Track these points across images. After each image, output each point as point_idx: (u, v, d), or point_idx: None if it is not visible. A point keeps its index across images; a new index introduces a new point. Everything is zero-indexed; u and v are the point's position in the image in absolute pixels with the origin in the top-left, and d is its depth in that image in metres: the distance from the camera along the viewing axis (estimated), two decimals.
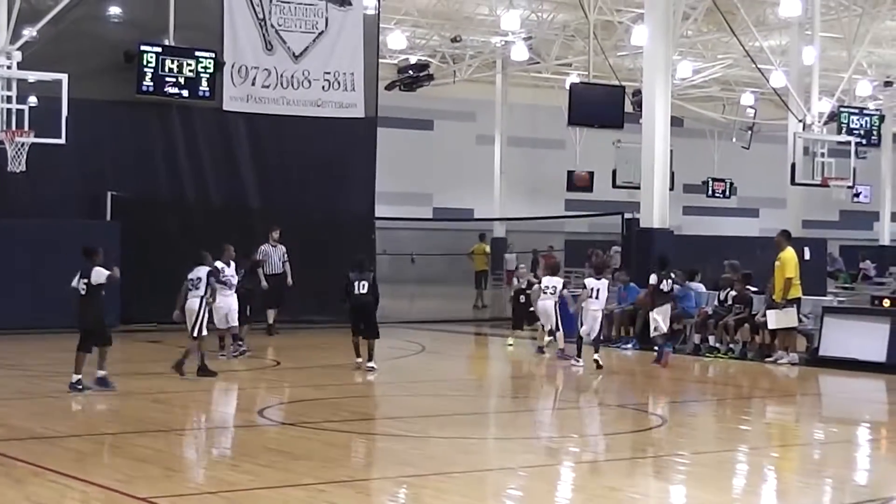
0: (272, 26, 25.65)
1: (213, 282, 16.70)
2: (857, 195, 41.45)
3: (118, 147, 24.39)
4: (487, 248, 35.89)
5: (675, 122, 30.40)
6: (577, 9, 32.15)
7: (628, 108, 29.51)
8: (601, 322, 19.19)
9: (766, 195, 49.88)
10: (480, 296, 33.69)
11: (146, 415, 13.97)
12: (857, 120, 30.78)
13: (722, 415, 15.48)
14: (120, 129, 24.35)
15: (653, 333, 19.71)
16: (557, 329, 20.18)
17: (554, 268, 21.32)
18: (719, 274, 22.45)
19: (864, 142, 30.38)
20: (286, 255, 23.11)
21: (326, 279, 22.91)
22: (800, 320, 20.03)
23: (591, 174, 42.86)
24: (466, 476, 10.59)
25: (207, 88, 24.35)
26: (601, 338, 19.18)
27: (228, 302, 18.83)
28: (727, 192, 50.30)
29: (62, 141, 21.19)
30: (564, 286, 20.46)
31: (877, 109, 34.68)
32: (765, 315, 19.90)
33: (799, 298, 19.81)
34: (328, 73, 26.19)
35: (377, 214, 27.45)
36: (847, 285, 35.00)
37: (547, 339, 20.47)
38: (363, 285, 17.78)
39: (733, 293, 20.94)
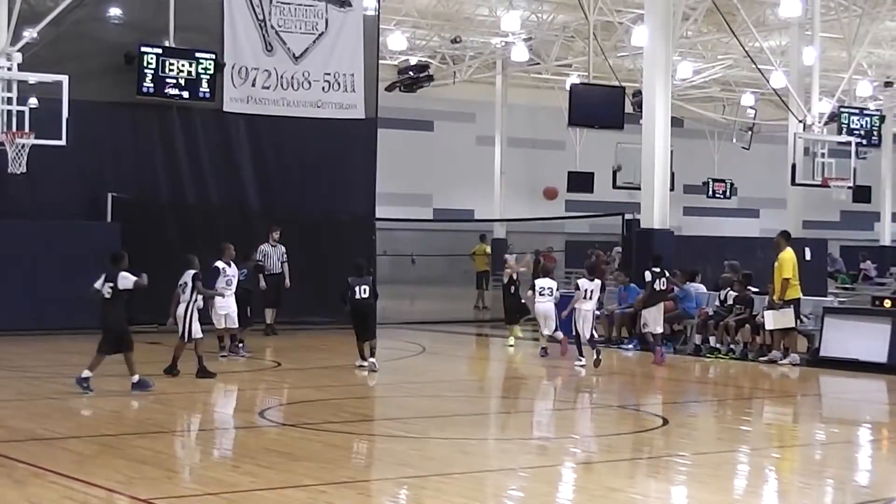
0: (272, 27, 25.65)
1: (200, 285, 16.54)
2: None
3: (118, 148, 24.40)
4: (488, 249, 35.88)
5: (676, 122, 30.41)
6: (577, 10, 32.15)
7: (628, 108, 29.50)
8: (593, 322, 19.23)
9: (766, 195, 49.87)
10: (482, 296, 33.69)
11: (147, 416, 13.97)
12: (858, 120, 30.78)
13: (723, 415, 15.47)
14: (120, 131, 24.36)
15: (643, 330, 19.94)
16: (557, 330, 20.25)
17: (546, 269, 21.42)
18: (720, 274, 22.47)
19: (864, 142, 30.37)
20: (285, 256, 23.14)
21: (326, 280, 22.94)
22: (800, 321, 20.04)
23: (592, 175, 42.89)
24: (467, 477, 10.59)
25: (208, 90, 24.34)
26: (594, 336, 19.24)
27: (228, 303, 18.82)
28: (727, 193, 50.28)
29: (62, 142, 21.19)
30: (557, 288, 20.61)
31: (877, 110, 34.67)
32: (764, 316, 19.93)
33: (798, 299, 19.80)
34: (328, 74, 26.19)
35: (377, 215, 27.44)
36: (847, 286, 34.98)
37: (547, 335, 20.48)
38: (364, 290, 17.81)
39: (734, 294, 20.94)
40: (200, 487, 9.82)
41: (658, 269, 19.89)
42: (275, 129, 25.66)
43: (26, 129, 21.17)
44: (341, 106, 26.33)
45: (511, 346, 22.13)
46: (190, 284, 16.45)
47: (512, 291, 22.22)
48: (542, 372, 19.51)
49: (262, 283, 21.95)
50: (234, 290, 19.02)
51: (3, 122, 21.29)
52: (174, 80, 23.97)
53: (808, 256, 28.01)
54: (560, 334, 20.27)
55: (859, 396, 17.50)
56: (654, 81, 24.47)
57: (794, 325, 19.69)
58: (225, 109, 25.17)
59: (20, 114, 21.31)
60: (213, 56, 24.46)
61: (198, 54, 24.23)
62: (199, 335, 16.51)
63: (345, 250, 23.30)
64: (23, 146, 21.19)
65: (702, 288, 22.18)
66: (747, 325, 20.59)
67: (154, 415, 14.05)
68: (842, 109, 30.84)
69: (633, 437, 13.25)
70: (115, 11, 24.61)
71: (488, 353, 22.81)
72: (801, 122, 27.39)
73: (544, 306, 20.32)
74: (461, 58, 42.81)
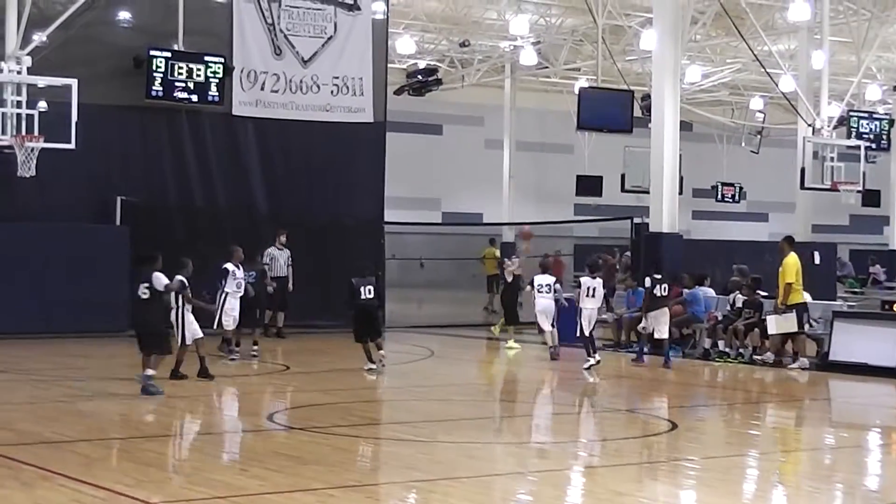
0: (281, 31, 25.68)
1: (188, 294, 16.24)
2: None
3: (127, 152, 24.42)
4: (498, 253, 35.85)
5: (685, 126, 30.37)
6: (586, 13, 32.14)
7: (637, 112, 29.47)
8: (595, 320, 19.51)
9: (775, 199, 49.75)
10: (492, 300, 33.66)
11: (154, 419, 13.97)
12: (867, 124, 30.75)
13: (731, 419, 15.43)
14: (129, 134, 24.38)
15: (641, 332, 20.21)
16: (553, 327, 20.38)
17: (545, 266, 21.54)
18: (728, 278, 22.43)
19: (873, 146, 30.31)
20: (290, 259, 23.16)
21: (335, 284, 22.92)
22: (809, 325, 20.00)
23: (601, 178, 42.86)
24: (474, 481, 10.58)
25: (216, 93, 24.36)
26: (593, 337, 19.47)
27: (234, 304, 18.87)
28: (736, 197, 50.18)
29: (72, 146, 21.23)
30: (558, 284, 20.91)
31: (886, 114, 34.62)
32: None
33: (802, 304, 19.74)
34: (337, 77, 26.19)
35: (386, 219, 27.45)
36: (856, 290, 34.88)
37: (549, 332, 20.70)
38: (369, 290, 17.88)
39: (742, 298, 20.91)
40: (209, 491, 9.82)
41: (659, 275, 19.93)
42: (283, 132, 25.69)
43: (35, 133, 21.21)
44: (350, 109, 26.34)
45: (511, 348, 22.22)
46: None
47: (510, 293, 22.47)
48: (550, 376, 19.50)
49: (271, 287, 21.97)
50: (242, 292, 19.05)
51: (12, 125, 21.33)
52: (183, 84, 23.99)
53: (817, 260, 27.97)
54: (555, 331, 20.47)
55: (868, 400, 17.45)
56: (662, 85, 24.44)
57: (796, 329, 19.66)
58: (233, 113, 25.20)
59: (29, 117, 21.35)
60: (222, 60, 24.48)
61: (207, 58, 24.25)
62: (200, 335, 16.39)
63: (353, 254, 23.29)
64: (32, 149, 21.23)
65: (710, 292, 22.15)
66: (756, 329, 20.55)
67: (162, 418, 14.06)
68: (851, 113, 30.79)
69: (641, 440, 13.23)
70: (124, 15, 24.64)
71: (497, 356, 22.79)
72: (810, 125, 27.33)
73: (544, 302, 20.47)
74: (470, 61, 42.80)
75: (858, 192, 28.23)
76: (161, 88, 23.84)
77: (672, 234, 24.24)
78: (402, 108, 37.87)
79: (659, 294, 19.73)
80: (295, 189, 25.77)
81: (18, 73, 21.52)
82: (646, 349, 20.45)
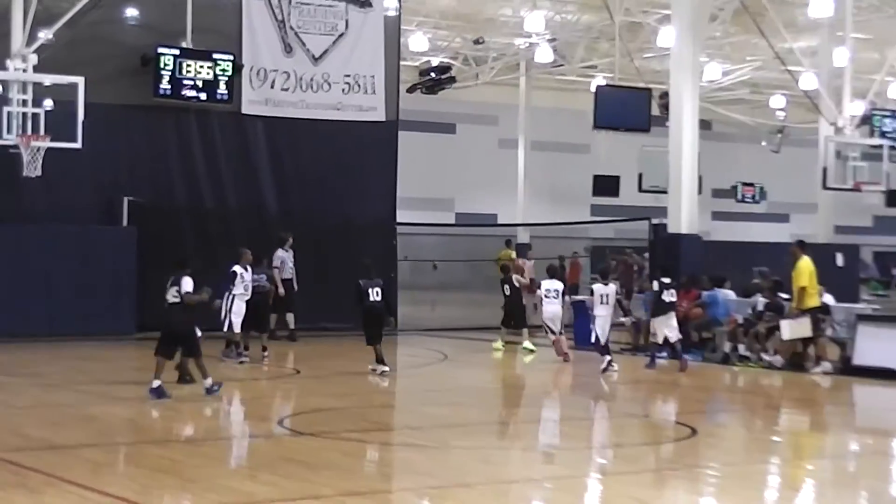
0: (291, 28, 25.70)
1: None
2: None
3: (135, 152, 24.47)
4: (514, 255, 35.81)
5: (704, 125, 30.34)
6: (603, 10, 32.10)
7: (655, 111, 29.43)
8: (609, 327, 19.55)
9: (796, 200, 49.61)
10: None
11: (163, 424, 13.99)
12: (891, 123, 30.68)
13: (752, 425, 15.37)
14: (137, 134, 24.43)
15: (651, 340, 20.20)
16: (560, 334, 20.54)
17: (553, 270, 21.55)
18: (749, 281, 22.36)
19: None
20: (293, 260, 23.20)
21: (346, 286, 22.89)
22: (829, 328, 19.91)
23: (618, 178, 42.81)
24: (488, 487, 10.54)
25: (225, 92, 24.40)
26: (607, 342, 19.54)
27: (243, 307, 18.89)
28: (757, 197, 50.12)
29: (78, 145, 21.30)
30: (565, 291, 21.11)
31: None
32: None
33: (818, 307, 19.64)
34: (348, 75, 26.21)
35: (398, 220, 27.45)
36: (880, 292, 34.79)
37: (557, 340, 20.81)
38: (376, 292, 17.93)
39: (763, 301, 20.84)
40: (217, 497, 9.82)
41: (667, 280, 19.90)
42: (293, 131, 25.71)
43: (41, 133, 21.29)
44: (361, 108, 26.35)
45: (499, 349, 22.44)
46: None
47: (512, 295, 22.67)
48: (566, 380, 19.48)
49: (282, 290, 21.99)
50: (249, 295, 19.07)
51: (18, 124, 21.42)
52: (191, 82, 24.04)
53: (839, 262, 27.90)
54: (563, 338, 20.61)
55: (894, 405, 17.37)
56: (681, 83, 24.41)
57: (810, 334, 19.60)
58: (243, 112, 25.24)
59: (35, 116, 21.45)
60: (231, 57, 24.52)
61: (215, 56, 24.29)
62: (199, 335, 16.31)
63: (365, 256, 23.28)
64: (38, 149, 21.32)
65: (731, 294, 22.07)
66: (777, 333, 20.47)
67: (170, 423, 14.07)
68: (874, 112, 30.72)
69: (660, 447, 13.19)
70: (131, 13, 24.69)
71: (511, 360, 22.75)
72: (832, 124, 27.28)
73: (552, 308, 20.53)
74: (484, 59, 42.80)
75: (882, 192, 28.15)
76: (169, 87, 23.89)
77: (691, 236, 24.20)
78: (415, 107, 37.91)
79: (667, 300, 19.67)
80: (305, 189, 25.80)
81: (24, 71, 21.62)
82: (659, 354, 20.46)
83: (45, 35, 22.37)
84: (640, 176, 39.03)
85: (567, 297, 21.16)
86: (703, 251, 24.58)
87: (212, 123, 25.12)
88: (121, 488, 9.96)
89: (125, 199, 23.99)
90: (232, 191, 25.37)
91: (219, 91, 24.32)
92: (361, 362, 18.62)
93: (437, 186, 46.48)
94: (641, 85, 28.99)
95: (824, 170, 27.02)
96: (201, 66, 24.10)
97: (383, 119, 26.64)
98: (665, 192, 26.26)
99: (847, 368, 19.51)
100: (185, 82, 24.00)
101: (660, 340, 19.81)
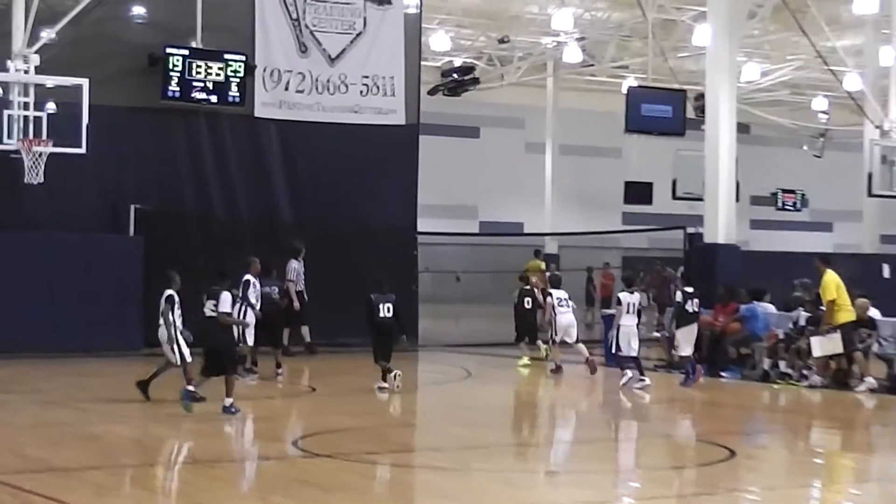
0: (306, 27, 25.72)
1: (167, 308, 16.16)
2: None
3: (142, 157, 24.51)
4: (543, 265, 35.76)
5: (741, 128, 30.21)
6: (635, 7, 32.06)
7: (690, 113, 29.36)
8: (637, 338, 19.61)
9: (840, 207, 49.47)
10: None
11: (170, 444, 13.97)
12: None
13: (794, 447, 15.28)
14: (144, 138, 24.48)
15: (674, 352, 20.33)
16: (577, 342, 21.05)
17: (555, 280, 21.66)
18: (789, 294, 22.23)
19: None
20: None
21: (364, 300, 22.87)
22: (875, 344, 19.75)
23: (651, 185, 42.71)
24: None
25: (237, 94, 24.44)
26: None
27: (253, 319, 18.89)
28: (798, 205, 49.98)
29: (82, 150, 21.35)
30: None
31: None
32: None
33: (855, 322, 19.45)
34: (366, 76, 26.21)
35: (419, 229, 27.44)
36: None
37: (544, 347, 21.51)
38: (388, 307, 17.94)
39: (806, 315, 20.69)
40: None
41: (691, 290, 19.90)
42: (309, 135, 25.73)
43: (44, 137, 21.34)
44: (380, 111, 26.36)
45: (528, 365, 22.57)
46: (163, 305, 16.03)
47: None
48: (596, 398, 19.40)
49: (297, 303, 21.97)
50: (259, 306, 19.06)
51: (19, 128, 21.48)
52: (201, 84, 24.08)
53: (886, 273, 27.72)
54: (582, 348, 20.86)
55: None
56: (717, 84, 24.35)
57: (841, 350, 19.47)
58: (256, 115, 25.28)
59: (37, 120, 21.49)
60: (244, 58, 24.56)
61: (227, 56, 24.34)
62: (189, 359, 16.21)
63: (384, 266, 23.24)
64: (40, 154, 21.36)
65: (770, 308, 21.95)
66: None
67: (177, 443, 14.05)
68: None
69: (697, 469, 13.10)
70: (138, 11, 24.77)
71: (538, 378, 22.69)
72: (877, 127, 27.19)
73: (567, 318, 20.75)
74: (509, 59, 42.81)
75: None
76: (178, 89, 23.94)
77: (728, 246, 24.12)
78: (437, 110, 37.89)
79: (691, 310, 19.72)
80: (321, 196, 25.78)
81: (26, 72, 21.67)
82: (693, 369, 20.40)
83: (47, 34, 22.45)
84: (675, 182, 38.79)
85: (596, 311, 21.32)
86: (741, 262, 24.48)
87: (223, 127, 25.16)
88: None
89: (132, 207, 24.00)
90: (244, 198, 25.39)
91: (230, 93, 24.36)
92: (379, 380, 18.58)
93: (459, 193, 46.49)
94: (675, 86, 28.94)
95: (869, 175, 26.93)
96: (212, 67, 24.15)
97: (403, 122, 26.64)
98: (701, 200, 26.18)
99: (894, 386, 19.36)
100: (195, 84, 24.04)
101: (683, 353, 19.79)
